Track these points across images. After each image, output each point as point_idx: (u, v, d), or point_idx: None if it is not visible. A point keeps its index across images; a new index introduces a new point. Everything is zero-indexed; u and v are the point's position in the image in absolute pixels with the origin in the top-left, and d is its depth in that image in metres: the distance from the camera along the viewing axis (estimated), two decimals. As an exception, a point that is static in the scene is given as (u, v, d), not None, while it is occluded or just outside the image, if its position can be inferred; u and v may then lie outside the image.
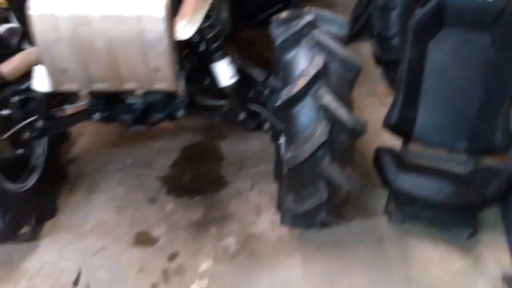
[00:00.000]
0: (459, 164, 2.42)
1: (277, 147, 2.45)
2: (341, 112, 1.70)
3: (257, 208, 2.50)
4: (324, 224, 2.11)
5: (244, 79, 2.08)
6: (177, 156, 2.88)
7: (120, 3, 1.54)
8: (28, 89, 2.01)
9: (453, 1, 2.31)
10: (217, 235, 2.35)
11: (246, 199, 2.56)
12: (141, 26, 1.53)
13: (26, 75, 2.04)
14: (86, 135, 2.96)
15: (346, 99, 1.79)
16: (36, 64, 1.76)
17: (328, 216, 1.98)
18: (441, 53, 2.42)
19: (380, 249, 2.26)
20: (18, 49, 2.04)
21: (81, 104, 2.05)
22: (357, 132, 1.76)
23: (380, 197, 2.40)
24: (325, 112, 1.71)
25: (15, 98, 2.05)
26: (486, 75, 2.36)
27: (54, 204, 2.43)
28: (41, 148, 2.36)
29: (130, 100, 2.01)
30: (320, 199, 1.83)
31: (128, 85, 1.70)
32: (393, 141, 2.48)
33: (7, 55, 1.94)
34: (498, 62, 2.30)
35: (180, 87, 1.83)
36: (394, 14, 3.12)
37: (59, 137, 2.53)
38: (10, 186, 2.07)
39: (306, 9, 1.97)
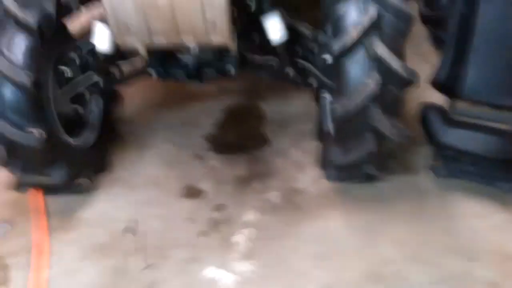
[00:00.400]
0: (506, 121, 2.39)
1: (320, 106, 2.49)
2: (394, 62, 1.71)
3: (298, 165, 2.56)
4: (369, 177, 2.15)
5: (292, 36, 2.11)
6: (220, 116, 2.96)
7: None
8: (87, 47, 2.11)
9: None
10: (260, 189, 2.43)
11: (288, 156, 2.62)
12: (199, -19, 1.57)
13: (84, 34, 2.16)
14: (133, 97, 3.07)
15: (398, 50, 1.79)
16: (101, 20, 1.84)
17: (374, 169, 2.00)
18: (493, 8, 2.35)
19: (421, 203, 2.29)
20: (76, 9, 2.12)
21: (137, 61, 2.13)
22: (409, 81, 1.76)
23: (423, 155, 2.42)
24: (378, 62, 1.72)
25: (76, 57, 2.14)
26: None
27: (108, 159, 2.57)
28: (97, 107, 2.47)
29: (183, 58, 2.07)
30: (368, 150, 1.86)
31: (186, 38, 1.76)
32: (437, 100, 2.46)
33: (67, 14, 2.04)
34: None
35: (233, 43, 1.87)
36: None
37: (112, 97, 2.63)
38: (70, 140, 2.20)
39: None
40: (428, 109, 2.31)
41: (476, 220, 2.19)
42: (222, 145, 2.74)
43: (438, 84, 2.40)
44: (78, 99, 2.31)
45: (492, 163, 2.25)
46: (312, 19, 2.30)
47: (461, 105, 2.48)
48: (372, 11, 1.73)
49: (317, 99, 2.61)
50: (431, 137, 2.25)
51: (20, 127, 1.84)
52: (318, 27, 2.21)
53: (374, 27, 1.73)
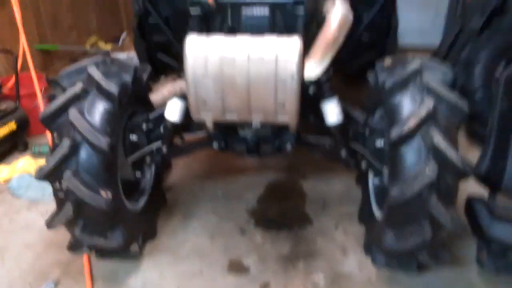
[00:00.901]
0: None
1: (364, 189, 2.56)
2: (450, 153, 1.80)
3: (343, 248, 2.56)
4: (419, 266, 2.14)
5: (345, 119, 2.25)
6: (263, 192, 3.05)
7: (261, 47, 1.78)
8: (155, 118, 2.29)
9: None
10: (305, 270, 2.41)
11: (331, 238, 2.63)
12: (277, 66, 1.76)
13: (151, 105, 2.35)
14: (180, 167, 3.21)
15: (453, 141, 1.89)
16: (179, 95, 2.03)
17: (427, 258, 2.00)
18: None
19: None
20: (148, 83, 2.34)
21: (200, 134, 2.29)
22: (464, 172, 1.84)
23: (471, 247, 2.40)
24: (434, 151, 1.81)
25: (145, 126, 2.31)
26: None
27: (155, 226, 2.63)
28: (150, 173, 2.59)
29: (243, 133, 2.22)
30: (424, 237, 1.88)
31: (256, 117, 1.91)
32: (477, 191, 2.50)
33: (140, 87, 2.25)
34: None
35: (296, 123, 2.02)
36: (478, 68, 3.24)
37: (164, 165, 2.77)
38: (128, 205, 2.29)
39: (410, 57, 2.14)
40: (473, 201, 2.34)
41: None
42: (265, 221, 2.78)
43: (480, 175, 2.47)
44: (138, 164, 2.44)
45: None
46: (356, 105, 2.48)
47: (503, 199, 2.53)
48: (429, 102, 1.86)
49: (360, 181, 2.70)
50: (476, 230, 2.26)
51: (91, 188, 1.94)
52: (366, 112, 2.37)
53: (431, 118, 1.85)
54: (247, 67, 1.78)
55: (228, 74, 1.79)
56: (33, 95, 3.56)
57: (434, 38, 5.03)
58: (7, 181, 3.22)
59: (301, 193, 3.05)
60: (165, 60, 3.13)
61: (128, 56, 3.22)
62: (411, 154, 1.88)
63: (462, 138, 3.41)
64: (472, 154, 2.52)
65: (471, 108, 3.22)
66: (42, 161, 3.31)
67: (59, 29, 4.76)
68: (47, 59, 4.62)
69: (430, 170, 1.80)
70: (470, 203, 2.35)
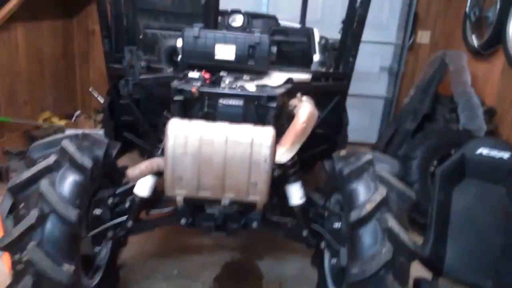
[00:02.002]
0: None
1: (320, 269, 2.68)
2: (403, 235, 2.01)
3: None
4: None
5: (306, 202, 2.44)
6: (219, 272, 3.04)
7: (238, 132, 1.98)
8: (123, 193, 2.33)
9: (473, 156, 2.82)
10: None
11: (288, 320, 2.68)
12: (252, 150, 1.95)
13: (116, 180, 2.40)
14: (133, 244, 3.15)
15: (404, 225, 2.12)
16: (156, 172, 2.12)
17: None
18: (464, 198, 2.83)
19: None
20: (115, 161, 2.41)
21: (167, 210, 2.35)
22: (415, 253, 2.04)
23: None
24: (389, 234, 2.02)
25: (109, 200, 2.34)
26: (504, 223, 2.74)
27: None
28: (106, 249, 2.54)
29: (210, 210, 2.32)
30: (382, 315, 2.00)
31: (228, 195, 2.04)
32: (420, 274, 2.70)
33: (108, 163, 2.31)
34: (513, 212, 2.70)
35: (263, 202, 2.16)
36: (415, 163, 3.68)
37: (120, 242, 2.72)
38: (85, 281, 2.21)
39: (362, 150, 2.43)
40: (420, 282, 2.54)
41: None
42: (223, 303, 2.77)
43: (423, 261, 2.70)
44: (98, 239, 2.40)
45: None
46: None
47: (447, 281, 2.76)
48: (382, 190, 2.11)
49: (316, 261, 2.82)
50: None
51: (54, 260, 1.88)
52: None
53: (384, 203, 2.08)
54: (225, 149, 1.95)
55: (206, 154, 1.94)
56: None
57: (370, 135, 5.66)
58: None
59: (258, 274, 3.08)
60: (130, 138, 3.23)
61: (99, 132, 3.28)
62: (368, 235, 2.07)
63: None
64: (414, 240, 2.75)
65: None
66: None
67: (14, 103, 4.73)
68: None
69: (386, 251, 1.99)
70: (417, 284, 2.54)
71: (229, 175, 1.98)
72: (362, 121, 5.66)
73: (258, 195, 2.04)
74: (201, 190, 2.02)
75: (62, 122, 5.33)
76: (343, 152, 2.49)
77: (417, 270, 2.61)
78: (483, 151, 2.84)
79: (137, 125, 3.05)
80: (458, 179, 2.87)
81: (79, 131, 2.43)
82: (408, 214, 3.64)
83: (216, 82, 2.26)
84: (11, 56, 4.51)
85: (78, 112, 5.81)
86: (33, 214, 1.91)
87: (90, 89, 5.66)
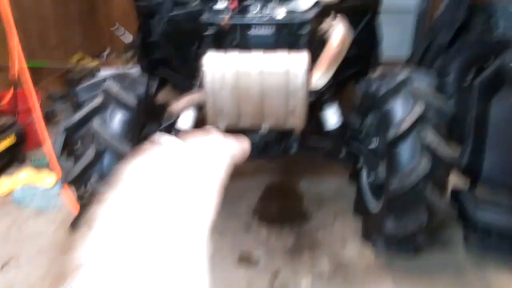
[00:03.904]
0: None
1: (358, 185, 2.82)
2: (441, 149, 2.09)
3: (342, 239, 2.80)
4: (416, 248, 2.40)
5: (343, 124, 2.51)
6: (262, 192, 3.26)
7: (273, 61, 2.02)
8: (168, 127, 2.47)
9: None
10: (310, 260, 2.63)
11: (330, 230, 2.88)
12: (288, 77, 2.00)
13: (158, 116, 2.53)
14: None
15: (443, 138, 2.18)
16: (197, 105, 2.22)
17: (424, 240, 2.27)
18: (503, 108, 2.83)
19: (461, 279, 2.50)
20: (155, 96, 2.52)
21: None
22: (452, 164, 2.13)
23: (457, 231, 2.72)
24: (427, 148, 2.10)
25: (158, 131, 2.49)
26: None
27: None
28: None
29: (251, 138, 2.44)
30: (421, 223, 2.15)
31: (267, 122, 2.13)
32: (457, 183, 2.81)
33: (150, 99, 2.43)
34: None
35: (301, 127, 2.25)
36: (450, 78, 3.62)
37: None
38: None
39: (399, 68, 2.43)
40: (458, 191, 2.66)
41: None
42: (268, 218, 2.99)
43: (461, 170, 2.79)
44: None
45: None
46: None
47: (485, 188, 2.86)
48: (420, 106, 2.15)
49: (354, 178, 2.96)
50: (462, 216, 2.57)
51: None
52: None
53: (422, 119, 2.13)
54: (261, 80, 2.01)
55: (244, 86, 2.02)
56: (28, 110, 3.64)
57: (402, 51, 5.47)
58: (10, 193, 3.28)
59: (299, 192, 3.28)
60: (165, 74, 3.31)
61: (137, 70, 3.36)
62: (406, 151, 2.16)
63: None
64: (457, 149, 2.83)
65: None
66: (43, 172, 3.39)
67: (46, 47, 4.83)
68: (36, 76, 4.67)
69: (424, 164, 2.08)
70: (455, 193, 2.66)
71: (268, 104, 2.06)
72: (393, 38, 5.46)
73: (296, 121, 2.12)
74: (242, 120, 2.12)
75: (94, 62, 5.43)
76: (378, 72, 2.50)
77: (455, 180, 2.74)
78: (521, 59, 2.77)
79: (170, 60, 3.10)
80: (497, 89, 2.85)
81: (118, 71, 2.52)
82: (447, 127, 3.78)
83: (244, 10, 2.24)
84: (36, 0, 4.53)
85: (107, 51, 5.88)
86: (91, 151, 2.09)
87: (114, 27, 5.65)
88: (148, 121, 2.55)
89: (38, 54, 4.67)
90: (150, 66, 3.25)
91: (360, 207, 2.79)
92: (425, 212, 2.14)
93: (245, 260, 2.63)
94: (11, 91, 3.71)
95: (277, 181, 3.38)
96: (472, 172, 2.82)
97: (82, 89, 2.35)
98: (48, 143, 3.07)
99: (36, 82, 4.67)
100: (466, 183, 2.83)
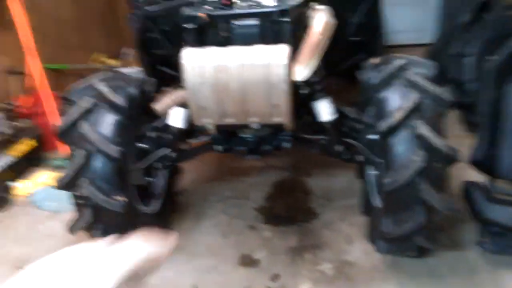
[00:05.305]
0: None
1: (366, 181, 2.68)
2: (436, 140, 1.93)
3: (348, 238, 2.69)
4: (420, 250, 2.26)
5: (340, 117, 2.40)
6: (269, 190, 3.20)
7: (252, 55, 1.94)
8: (162, 126, 2.46)
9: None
10: (313, 261, 2.55)
11: (336, 229, 2.77)
12: (269, 71, 1.92)
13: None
14: (190, 172, 3.38)
15: (439, 130, 2.02)
16: (181, 103, 2.20)
17: (425, 241, 2.12)
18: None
19: (472, 279, 2.34)
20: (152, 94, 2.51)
21: (204, 138, 2.46)
22: (451, 158, 1.96)
23: (469, 231, 2.53)
24: (421, 140, 1.95)
25: (152, 134, 2.49)
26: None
27: (170, 228, 2.79)
28: (162, 178, 2.75)
29: (244, 135, 2.38)
30: (418, 222, 2.01)
31: (252, 119, 2.07)
32: (479, 178, 2.59)
33: (146, 98, 2.42)
34: None
35: (290, 122, 2.17)
36: (469, 60, 3.36)
37: (175, 170, 2.93)
38: (143, 208, 2.45)
39: (396, 55, 2.28)
40: (470, 186, 2.46)
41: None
42: (273, 217, 2.93)
43: (476, 164, 2.58)
44: (150, 171, 2.61)
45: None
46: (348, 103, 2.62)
47: (503, 183, 2.63)
48: (413, 95, 2.00)
49: (361, 174, 2.83)
50: (475, 214, 2.38)
51: (106, 194, 2.12)
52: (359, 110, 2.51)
53: (416, 110, 1.99)
54: (241, 74, 1.94)
55: (224, 81, 1.96)
56: (45, 114, 3.77)
57: (426, 35, 5.16)
58: (30, 194, 3.42)
59: (306, 190, 3.19)
60: (167, 72, 3.30)
61: (135, 70, 3.39)
62: (400, 144, 2.03)
63: (457, 128, 3.54)
64: (470, 142, 2.63)
65: (463, 99, 3.39)
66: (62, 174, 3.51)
67: (67, 49, 4.97)
68: (58, 79, 4.83)
69: (418, 158, 1.94)
70: (468, 188, 2.47)
71: (250, 100, 1.99)
72: (416, 20, 5.20)
73: (282, 116, 2.04)
74: (226, 117, 2.07)
75: (115, 62, 5.54)
76: (375, 60, 2.37)
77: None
78: (540, 38, 2.52)
79: (169, 58, 3.09)
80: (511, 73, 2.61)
81: (113, 71, 2.54)
82: (463, 116, 3.53)
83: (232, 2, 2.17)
84: (55, 2, 4.67)
85: (128, 50, 5.96)
86: (80, 154, 2.12)
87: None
88: (144, 120, 2.56)
89: (58, 57, 4.82)
90: (150, 64, 3.25)
91: (366, 205, 2.66)
92: (423, 210, 2.00)
93: (246, 261, 2.59)
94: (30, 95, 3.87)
95: (285, 178, 3.31)
96: (488, 165, 2.60)
97: (75, 90, 2.38)
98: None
99: (58, 86, 4.85)
100: (482, 178, 2.62)
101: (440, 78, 3.84)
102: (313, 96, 2.29)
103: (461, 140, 3.24)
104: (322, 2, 2.23)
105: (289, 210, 3.00)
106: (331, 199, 3.04)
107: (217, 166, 3.47)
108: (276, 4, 2.09)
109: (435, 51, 4.04)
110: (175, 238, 0.87)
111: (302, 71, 1.97)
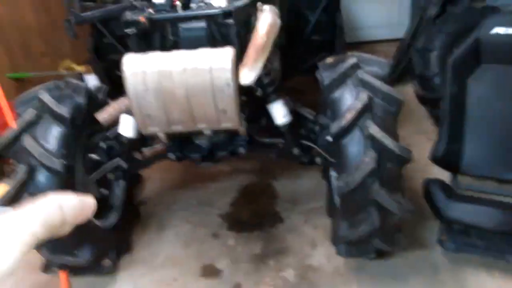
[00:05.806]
0: (508, 194, 2.45)
1: (328, 184, 2.63)
2: (387, 141, 1.88)
3: (312, 242, 2.63)
4: (378, 252, 2.21)
5: (296, 119, 2.33)
6: (235, 195, 3.12)
7: (195, 59, 1.86)
8: (114, 136, 2.37)
9: (488, 37, 2.47)
10: (276, 267, 2.49)
11: (301, 233, 2.71)
12: (212, 75, 1.84)
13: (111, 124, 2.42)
14: (153, 180, 3.29)
15: (391, 130, 1.96)
16: (126, 112, 2.11)
17: (382, 243, 2.07)
18: (481, 87, 2.55)
19: (434, 278, 2.30)
20: (105, 102, 2.41)
21: (157, 146, 2.37)
22: (403, 158, 1.91)
23: (432, 229, 2.48)
24: (372, 141, 1.89)
25: (103, 144, 2.39)
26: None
27: (129, 240, 2.70)
28: (119, 189, 2.66)
29: (198, 141, 2.30)
30: (373, 225, 1.95)
31: (200, 126, 1.99)
32: (442, 176, 2.55)
33: (96, 107, 2.32)
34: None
35: (242, 127, 2.09)
36: (433, 55, 3.32)
37: (133, 180, 2.84)
38: (96, 222, 2.36)
39: (349, 53, 2.22)
40: (431, 183, 2.40)
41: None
42: (238, 224, 2.86)
43: (438, 159, 2.53)
44: (104, 182, 2.52)
45: (499, 237, 2.28)
46: (312, 104, 2.56)
47: (463, 180, 2.60)
48: (363, 96, 1.94)
49: (326, 176, 2.77)
50: (436, 212, 2.33)
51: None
52: (318, 110, 2.45)
53: (366, 110, 1.93)
54: (185, 79, 1.86)
55: (167, 88, 1.87)
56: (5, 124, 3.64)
57: (400, 30, 5.10)
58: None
59: (272, 194, 3.12)
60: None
61: (90, 76, 3.30)
62: (352, 145, 1.97)
63: (427, 124, 3.50)
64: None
65: (430, 94, 3.35)
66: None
67: (31, 56, 4.83)
68: (23, 88, 4.69)
69: (369, 159, 1.88)
70: (428, 186, 2.42)
71: (196, 106, 1.91)
72: (390, 15, 5.15)
73: (230, 122, 1.96)
74: (173, 124, 1.99)
75: (82, 68, 5.41)
76: (329, 60, 2.30)
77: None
78: (499, 30, 2.49)
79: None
80: (473, 67, 2.57)
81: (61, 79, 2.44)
82: (431, 112, 3.48)
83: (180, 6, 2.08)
84: (15, 10, 4.53)
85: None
86: (22, 169, 2.02)
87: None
88: (97, 130, 2.46)
89: (23, 65, 4.68)
90: (106, 70, 3.16)
91: (330, 208, 2.61)
92: (377, 212, 1.94)
93: (208, 271, 2.52)
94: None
95: (252, 183, 3.23)
96: (450, 161, 2.56)
97: (20, 100, 2.28)
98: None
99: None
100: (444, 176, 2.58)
101: (408, 73, 3.83)
102: (266, 99, 2.21)
103: (430, 135, 3.24)
104: (274, 1, 2.17)
105: (254, 215, 2.93)
106: (296, 203, 2.98)
107: (182, 173, 3.38)
108: (222, 6, 2.01)
109: (404, 46, 4.01)
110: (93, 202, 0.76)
111: (248, 74, 1.89)
